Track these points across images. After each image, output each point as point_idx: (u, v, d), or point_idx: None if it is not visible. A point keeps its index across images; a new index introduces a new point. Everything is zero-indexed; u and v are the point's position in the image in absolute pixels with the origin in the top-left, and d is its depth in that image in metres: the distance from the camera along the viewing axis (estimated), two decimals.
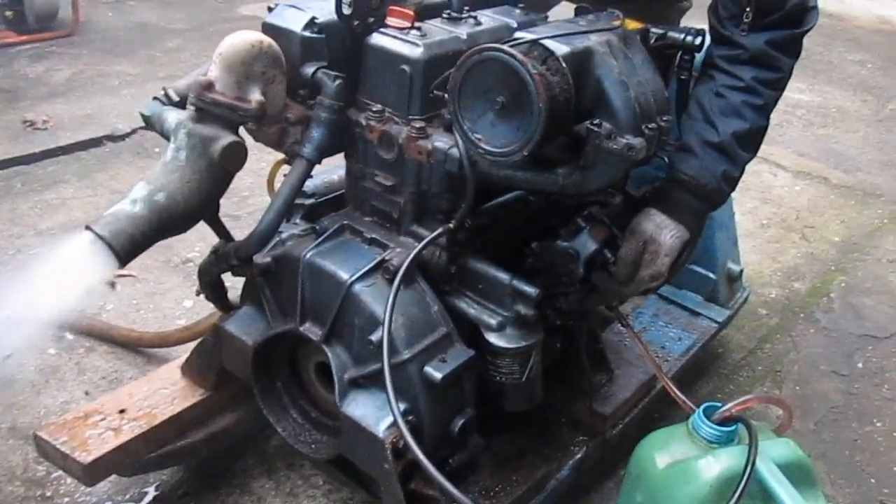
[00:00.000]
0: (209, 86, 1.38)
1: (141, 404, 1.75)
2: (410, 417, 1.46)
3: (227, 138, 1.39)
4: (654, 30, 1.60)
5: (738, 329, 2.70)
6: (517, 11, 1.69)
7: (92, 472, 1.62)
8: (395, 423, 1.44)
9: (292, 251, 1.55)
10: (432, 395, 1.46)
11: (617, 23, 1.43)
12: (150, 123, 1.48)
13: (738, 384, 2.47)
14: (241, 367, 1.67)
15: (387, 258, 1.49)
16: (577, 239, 1.59)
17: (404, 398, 1.47)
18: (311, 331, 1.54)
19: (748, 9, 1.50)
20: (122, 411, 1.72)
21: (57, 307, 1.28)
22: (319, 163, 1.53)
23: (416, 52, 1.44)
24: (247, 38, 1.40)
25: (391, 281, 1.47)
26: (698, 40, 1.57)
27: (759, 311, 2.84)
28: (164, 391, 1.79)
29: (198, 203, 1.40)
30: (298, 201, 1.72)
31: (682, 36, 1.58)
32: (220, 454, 1.91)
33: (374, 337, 1.43)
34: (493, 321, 1.52)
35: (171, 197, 1.37)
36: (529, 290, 1.47)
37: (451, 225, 1.45)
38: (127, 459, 1.67)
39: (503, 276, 1.50)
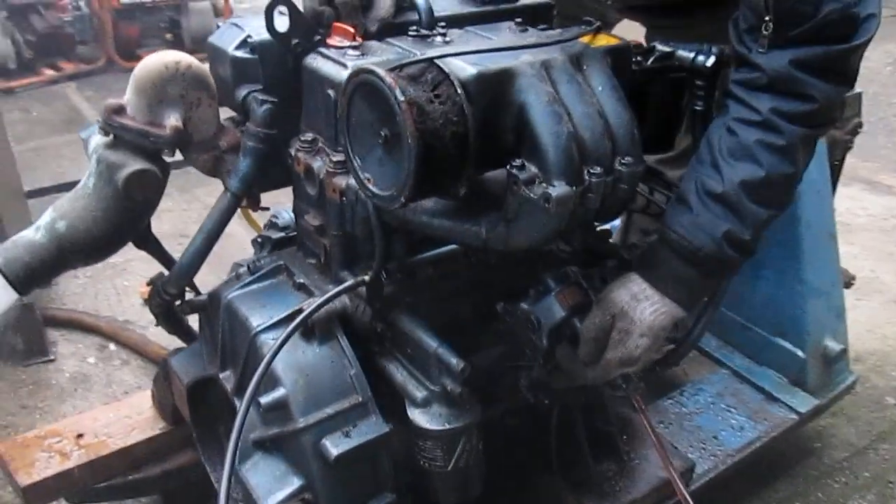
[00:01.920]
0: (119, 109, 1.29)
1: (100, 430, 1.70)
2: (306, 496, 1.26)
3: (133, 166, 1.29)
4: (660, 47, 1.27)
5: (849, 420, 2.17)
6: (511, 25, 1.43)
7: (30, 496, 1.58)
8: (288, 498, 1.26)
9: (221, 290, 1.42)
10: (330, 472, 1.24)
11: (575, 36, 1.14)
12: (84, 146, 1.42)
13: (830, 493, 1.96)
14: (184, 406, 1.57)
15: (304, 308, 1.30)
16: (541, 303, 1.30)
17: (301, 472, 1.27)
18: (229, 379, 1.39)
19: (767, 17, 1.13)
20: (79, 436, 1.68)
21: None
22: (248, 196, 1.39)
23: (342, 74, 1.24)
24: (162, 58, 1.28)
25: (305, 334, 1.28)
26: (710, 61, 1.22)
27: (886, 399, 2.27)
28: (127, 420, 1.73)
29: (103, 233, 1.31)
30: (266, 234, 1.59)
31: (692, 55, 1.24)
32: (181, 492, 1.81)
33: (263, 399, 1.25)
34: (418, 394, 1.28)
35: (73, 226, 1.29)
36: (453, 361, 1.21)
37: (364, 277, 1.23)
38: (70, 487, 1.63)
39: (429, 342, 1.25)
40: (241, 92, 1.34)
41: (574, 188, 1.03)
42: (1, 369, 2.33)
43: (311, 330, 1.28)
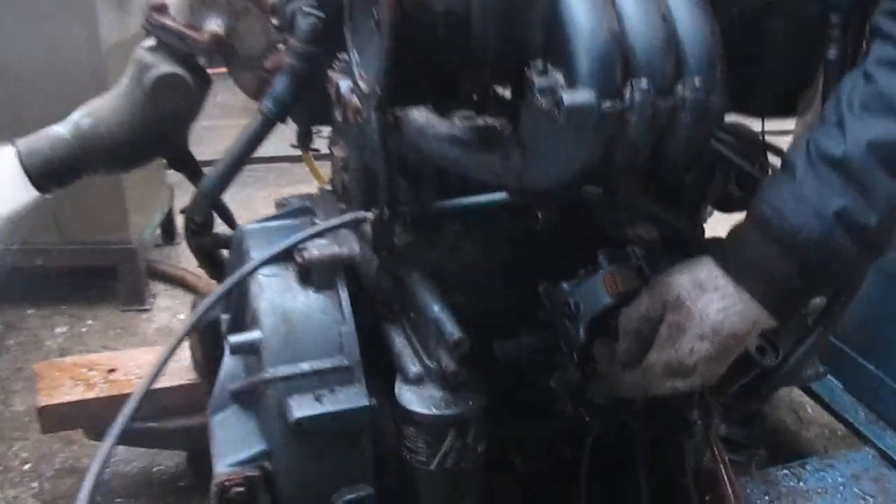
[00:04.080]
0: (161, 8, 1.20)
1: (132, 370, 1.63)
2: (265, 464, 1.06)
3: (163, 68, 1.20)
4: None
5: None
6: None
7: (45, 417, 1.54)
8: (243, 462, 1.07)
9: (244, 225, 1.28)
10: (292, 440, 1.03)
11: None
12: None
13: None
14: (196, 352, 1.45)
15: (304, 247, 1.12)
16: (585, 285, 1.02)
17: (266, 435, 1.08)
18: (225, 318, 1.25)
19: None
20: (111, 370, 1.62)
21: None
22: (283, 120, 1.24)
23: None
24: None
25: (305, 277, 1.10)
26: None
27: None
28: (165, 365, 1.64)
29: (125, 138, 1.23)
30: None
31: None
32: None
33: (235, 338, 1.07)
34: (412, 368, 1.04)
35: (96, 125, 1.22)
36: (448, 329, 0.97)
37: (367, 213, 1.03)
38: (88, 419, 1.56)
39: (431, 305, 1.01)
40: (292, 5, 1.21)
41: (601, 101, 0.76)
42: (100, 309, 2.39)
43: (309, 273, 1.10)
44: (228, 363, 1.18)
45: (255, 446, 1.08)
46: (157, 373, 0.94)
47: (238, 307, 1.19)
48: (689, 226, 1.06)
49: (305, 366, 1.04)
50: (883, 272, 1.53)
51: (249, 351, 1.07)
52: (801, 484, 1.47)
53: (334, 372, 1.05)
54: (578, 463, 1.15)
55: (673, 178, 0.97)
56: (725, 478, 1.20)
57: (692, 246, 1.01)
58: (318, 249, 1.10)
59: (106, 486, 1.76)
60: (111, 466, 1.80)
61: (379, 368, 1.09)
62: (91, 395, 1.55)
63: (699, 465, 1.33)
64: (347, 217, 1.03)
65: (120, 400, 1.57)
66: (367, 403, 1.03)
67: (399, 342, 1.08)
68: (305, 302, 1.09)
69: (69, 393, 1.55)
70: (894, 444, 1.53)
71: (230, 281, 1.01)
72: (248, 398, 1.13)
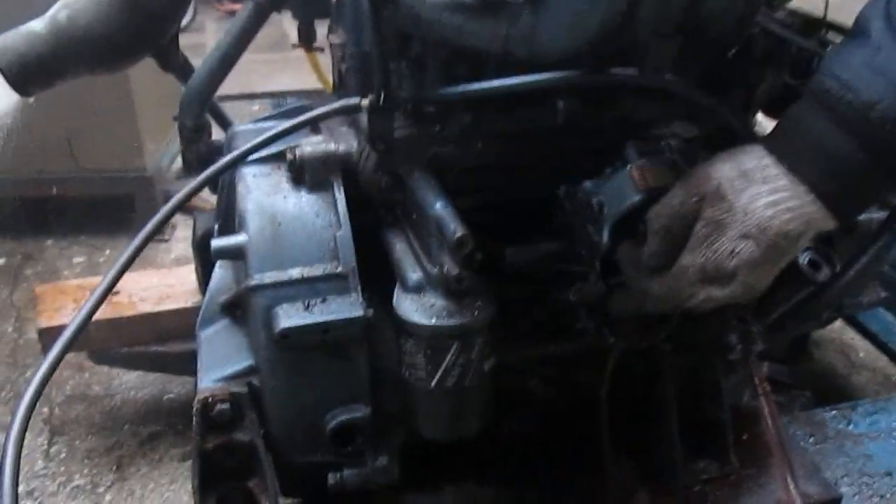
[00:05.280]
0: None
1: (136, 292, 1.56)
2: (253, 380, 0.97)
3: None
4: None
5: None
6: None
7: (46, 339, 1.48)
8: (229, 378, 0.98)
9: (236, 125, 1.17)
10: (278, 354, 0.94)
11: None
12: None
13: None
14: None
15: (296, 144, 1.01)
16: (611, 181, 0.89)
17: (254, 349, 0.98)
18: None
19: None
20: (114, 293, 1.55)
21: None
22: (277, 9, 1.12)
23: None
24: None
25: (297, 177, 1.00)
26: None
27: None
28: (167, 288, 1.57)
29: (105, 33, 1.11)
30: None
31: None
32: None
33: (218, 242, 0.97)
34: (412, 275, 0.93)
35: (74, 18, 1.11)
36: (451, 227, 0.85)
37: (360, 100, 0.91)
38: (89, 342, 1.50)
39: (432, 201, 0.89)
40: None
41: None
42: (119, 239, 2.34)
43: (301, 173, 0.99)
44: (218, 274, 1.08)
45: (243, 361, 0.99)
46: (127, 262, 0.83)
47: (226, 214, 1.09)
48: (738, 119, 0.91)
49: (295, 272, 0.94)
50: None
51: (234, 256, 0.97)
52: (851, 427, 1.34)
53: (326, 279, 0.94)
54: (599, 390, 1.03)
55: (717, 52, 0.82)
56: (767, 415, 1.08)
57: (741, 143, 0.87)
58: (310, 146, 0.99)
59: (116, 412, 1.72)
60: (120, 393, 1.75)
61: (379, 277, 0.99)
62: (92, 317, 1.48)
63: (737, 400, 1.21)
64: (337, 105, 0.91)
65: (121, 323, 1.53)
66: (362, 314, 0.92)
67: (399, 247, 0.97)
68: (296, 203, 0.98)
69: (70, 315, 1.48)
70: None
71: (207, 173, 0.91)
72: (237, 311, 1.04)
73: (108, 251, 2.30)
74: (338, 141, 1.01)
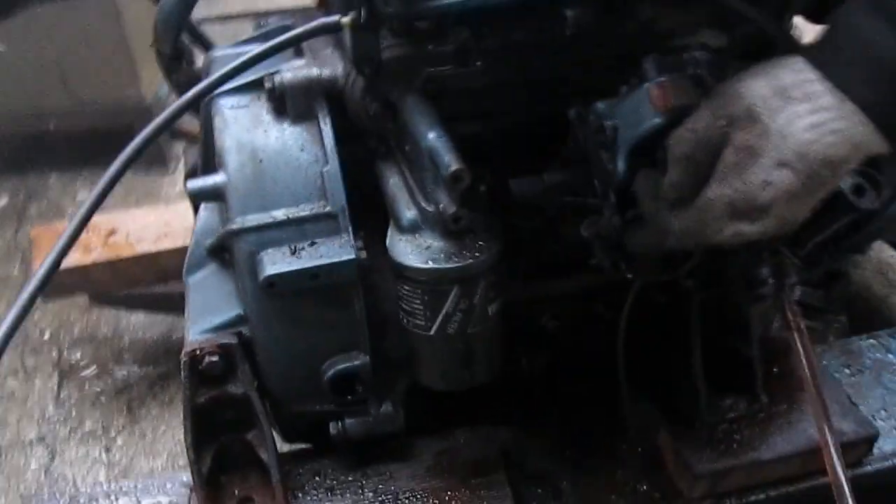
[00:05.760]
0: None
1: (133, 231, 1.50)
2: (242, 330, 0.91)
3: None
4: None
5: None
6: None
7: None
8: (218, 328, 0.92)
9: (214, 49, 1.07)
10: (266, 302, 0.87)
11: None
12: None
13: None
14: None
15: (277, 70, 0.91)
16: (626, 102, 0.78)
17: (241, 297, 0.92)
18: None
19: None
20: (110, 233, 1.50)
21: None
22: None
23: None
24: None
25: (279, 107, 0.90)
26: None
27: None
28: (165, 227, 1.51)
29: None
30: None
31: None
32: None
33: (194, 183, 0.89)
34: (406, 213, 0.84)
35: None
36: (446, 158, 0.75)
37: (340, 17, 0.80)
38: (88, 285, 1.45)
39: (427, 133, 0.80)
40: None
41: None
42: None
43: (282, 102, 0.89)
44: (203, 215, 1.01)
45: (232, 310, 0.93)
46: (97, 200, 0.76)
47: (206, 149, 1.00)
48: (774, 24, 0.79)
49: (280, 213, 0.86)
50: None
51: (213, 197, 0.89)
52: (891, 356, 1.25)
53: (315, 220, 0.86)
54: (616, 325, 0.95)
55: None
56: (799, 347, 0.99)
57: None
58: (291, 72, 0.89)
59: (124, 353, 1.69)
60: (128, 334, 1.72)
61: (375, 215, 0.91)
62: (89, 260, 1.43)
63: (766, 331, 1.13)
64: (315, 24, 0.81)
65: (118, 265, 1.47)
66: (354, 257, 0.84)
67: (393, 182, 0.88)
68: (279, 137, 0.89)
69: (66, 258, 1.43)
70: None
71: (177, 104, 0.82)
72: (225, 255, 0.97)
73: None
74: (322, 65, 0.91)
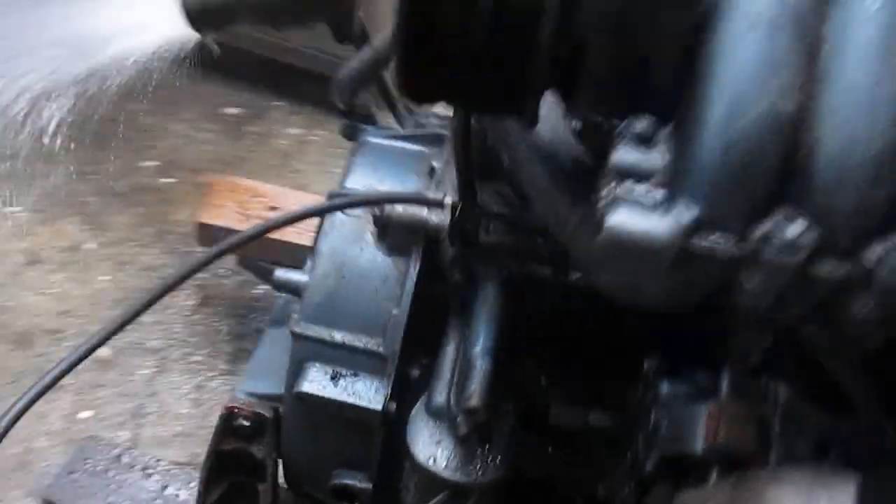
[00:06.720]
0: None
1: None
2: (277, 405, 0.97)
3: None
4: None
5: None
6: None
7: (201, 234, 1.60)
8: (261, 396, 0.99)
9: (370, 133, 1.10)
10: (300, 406, 0.92)
11: None
12: None
13: None
14: None
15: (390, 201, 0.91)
16: (685, 405, 0.71)
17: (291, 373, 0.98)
18: None
19: None
20: (272, 208, 1.62)
21: None
22: None
23: None
24: None
25: (380, 233, 0.92)
26: None
27: None
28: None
29: None
30: None
31: None
32: None
33: (281, 273, 0.94)
34: (438, 397, 0.84)
35: None
36: (472, 387, 0.74)
37: (444, 196, 0.78)
38: (232, 250, 1.59)
39: (477, 339, 0.78)
40: None
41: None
42: (330, 123, 2.41)
43: (384, 231, 0.91)
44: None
45: (278, 385, 0.99)
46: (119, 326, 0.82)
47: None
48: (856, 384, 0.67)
49: (339, 336, 0.90)
50: None
51: (292, 291, 0.94)
52: None
53: (365, 354, 0.89)
54: None
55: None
56: None
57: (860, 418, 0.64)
58: (402, 207, 0.90)
59: (256, 305, 1.84)
60: (267, 287, 1.87)
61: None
62: (242, 227, 1.56)
63: None
64: (415, 194, 0.81)
65: (268, 244, 1.59)
66: (381, 409, 0.87)
67: (445, 352, 0.88)
68: (370, 260, 0.92)
69: (226, 217, 1.58)
70: None
71: (248, 232, 0.86)
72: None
73: (318, 131, 2.39)
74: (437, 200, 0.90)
